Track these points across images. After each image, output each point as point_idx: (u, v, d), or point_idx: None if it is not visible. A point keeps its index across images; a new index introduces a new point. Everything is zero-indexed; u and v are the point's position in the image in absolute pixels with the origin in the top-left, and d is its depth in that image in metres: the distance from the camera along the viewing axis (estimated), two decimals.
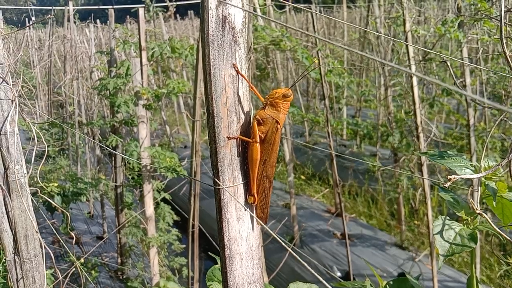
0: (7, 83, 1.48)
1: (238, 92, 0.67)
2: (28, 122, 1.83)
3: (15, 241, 1.54)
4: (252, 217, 0.70)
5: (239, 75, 0.66)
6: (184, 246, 3.78)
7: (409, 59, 3.16)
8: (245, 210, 0.68)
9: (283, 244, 0.60)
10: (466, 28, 3.37)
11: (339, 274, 3.93)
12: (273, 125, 0.71)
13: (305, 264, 0.53)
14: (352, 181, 5.79)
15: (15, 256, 1.55)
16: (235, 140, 0.68)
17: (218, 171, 0.67)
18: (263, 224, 0.72)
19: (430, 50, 3.85)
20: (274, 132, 0.71)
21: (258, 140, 0.70)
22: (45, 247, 1.60)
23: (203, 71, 0.64)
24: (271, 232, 0.67)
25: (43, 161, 1.80)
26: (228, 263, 0.67)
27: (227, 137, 0.67)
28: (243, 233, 0.68)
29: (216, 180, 0.67)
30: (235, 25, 0.63)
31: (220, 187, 0.66)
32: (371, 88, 6.61)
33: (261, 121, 0.71)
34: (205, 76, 0.63)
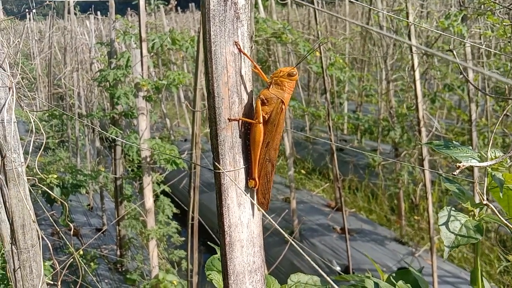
0: (4, 70, 1.45)
1: (240, 72, 0.64)
2: (26, 111, 1.81)
3: (12, 230, 1.52)
4: (253, 203, 0.67)
5: (242, 54, 0.63)
6: (183, 239, 3.77)
7: (411, 51, 3.13)
8: (246, 195, 0.66)
9: (284, 235, 0.58)
10: (470, 22, 3.34)
11: (338, 268, 3.92)
12: (278, 105, 0.68)
13: (304, 254, 0.51)
14: (352, 176, 5.77)
15: (12, 246, 1.53)
16: (236, 122, 0.65)
17: (218, 154, 0.64)
18: (263, 211, 0.70)
19: (434, 43, 3.82)
20: (279, 113, 0.68)
21: (261, 121, 0.67)
22: (43, 237, 1.59)
23: (203, 48, 0.61)
24: (272, 221, 0.65)
25: (40, 151, 1.78)
26: (228, 251, 0.65)
27: (228, 118, 0.64)
28: (244, 220, 0.66)
29: (216, 164, 0.64)
30: (238, 1, 0.61)
31: (220, 171, 0.64)
32: (373, 82, 6.58)
33: (265, 100, 0.68)
34: (205, 54, 0.60)
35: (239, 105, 0.65)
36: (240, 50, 0.63)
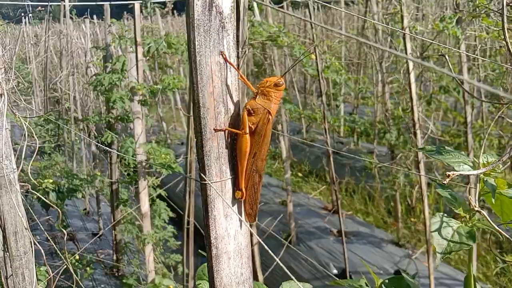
0: None
1: (226, 82, 0.63)
2: (18, 117, 1.80)
3: (4, 237, 1.51)
4: (240, 215, 0.67)
5: (228, 63, 0.63)
6: (180, 243, 3.76)
7: (407, 61, 3.13)
8: (233, 206, 0.65)
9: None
10: (464, 25, 3.35)
11: (335, 271, 3.92)
12: (264, 115, 0.67)
13: (281, 264, 0.50)
14: (349, 178, 5.77)
15: (4, 253, 1.52)
16: (222, 132, 0.64)
17: (204, 165, 0.63)
18: (247, 222, 0.69)
19: (429, 46, 3.83)
20: (266, 123, 0.67)
21: (247, 131, 0.66)
22: (35, 243, 1.58)
23: (188, 58, 0.61)
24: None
25: (34, 156, 1.77)
26: (215, 263, 0.64)
27: (214, 129, 0.63)
28: (231, 231, 0.65)
29: (202, 175, 0.64)
30: (223, 10, 0.60)
31: (206, 182, 0.63)
32: (369, 85, 6.59)
33: (251, 111, 0.67)
34: (190, 64, 0.60)
35: (225, 115, 0.64)
36: (226, 59, 0.62)
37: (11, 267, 1.53)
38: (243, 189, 0.67)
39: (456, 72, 3.87)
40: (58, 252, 4.31)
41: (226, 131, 0.65)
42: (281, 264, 0.48)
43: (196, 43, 0.59)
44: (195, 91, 0.61)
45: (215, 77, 0.61)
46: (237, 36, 0.88)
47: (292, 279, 1.02)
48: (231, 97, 0.65)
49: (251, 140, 0.67)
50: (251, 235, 0.72)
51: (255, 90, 0.68)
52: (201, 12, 0.58)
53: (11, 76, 1.84)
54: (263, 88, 0.68)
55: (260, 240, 0.53)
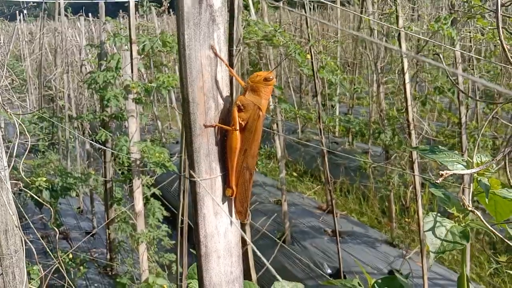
0: None
1: (216, 76, 0.62)
2: (10, 114, 1.78)
3: None
4: (231, 212, 0.65)
5: (218, 58, 0.62)
6: (174, 242, 3.74)
7: (401, 55, 3.13)
8: (223, 204, 0.64)
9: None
10: (459, 25, 3.35)
11: (329, 271, 3.91)
12: (254, 111, 0.66)
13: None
14: (343, 178, 5.77)
15: None
16: (212, 128, 0.63)
17: (193, 162, 0.62)
18: (237, 220, 0.67)
19: (424, 46, 3.84)
20: (256, 120, 0.66)
21: (238, 128, 0.65)
22: (26, 241, 1.56)
23: (178, 52, 0.59)
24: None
25: (25, 154, 1.76)
26: (204, 262, 0.62)
27: (203, 125, 0.62)
28: (220, 229, 0.64)
29: (191, 172, 0.63)
30: (214, 3, 0.59)
31: (195, 179, 0.62)
32: (364, 85, 6.60)
33: (241, 107, 0.66)
34: (179, 58, 0.59)
35: (215, 111, 0.63)
36: (216, 54, 0.61)
37: (1, 266, 1.51)
38: (234, 187, 0.66)
39: (451, 73, 3.87)
40: (48, 251, 4.28)
41: (216, 127, 0.64)
42: (270, 267, 0.47)
43: (186, 36, 0.58)
44: (184, 86, 0.60)
45: (205, 71, 0.60)
46: (232, 34, 0.86)
47: (289, 277, 1.01)
48: (221, 92, 0.63)
49: (241, 137, 0.66)
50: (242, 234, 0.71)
51: (245, 86, 0.67)
52: (191, 5, 0.57)
53: (4, 73, 1.83)
54: (253, 83, 0.67)
55: (249, 241, 0.52)
